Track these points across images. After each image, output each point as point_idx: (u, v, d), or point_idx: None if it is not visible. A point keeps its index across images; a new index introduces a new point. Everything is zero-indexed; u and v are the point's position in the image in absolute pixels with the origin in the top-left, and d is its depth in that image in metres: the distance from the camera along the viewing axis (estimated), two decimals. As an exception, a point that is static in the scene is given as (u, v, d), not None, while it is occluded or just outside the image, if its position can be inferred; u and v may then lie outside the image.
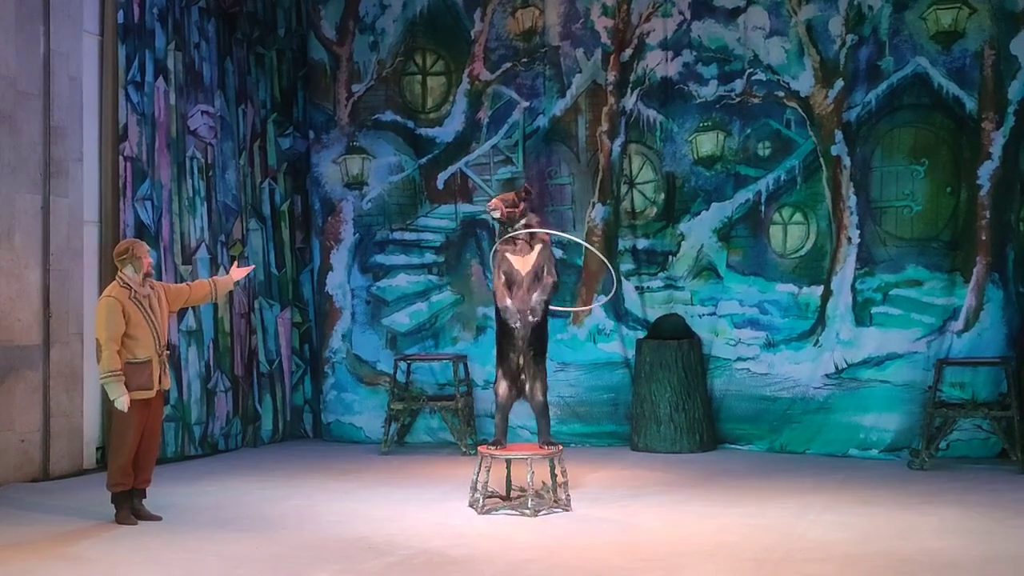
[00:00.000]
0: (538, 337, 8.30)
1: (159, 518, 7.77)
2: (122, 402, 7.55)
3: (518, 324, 8.16)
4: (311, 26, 12.58)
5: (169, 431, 10.39)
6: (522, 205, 8.45)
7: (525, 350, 8.24)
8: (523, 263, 8.27)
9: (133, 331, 7.63)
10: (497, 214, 8.35)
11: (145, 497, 7.88)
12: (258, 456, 11.04)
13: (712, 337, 11.40)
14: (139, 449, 7.76)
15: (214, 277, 8.61)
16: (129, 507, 7.72)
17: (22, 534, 7.34)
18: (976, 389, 10.26)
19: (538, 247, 8.33)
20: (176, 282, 10.47)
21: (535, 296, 8.21)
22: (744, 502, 8.38)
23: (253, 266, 8.75)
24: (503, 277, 8.28)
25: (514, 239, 8.35)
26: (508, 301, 8.17)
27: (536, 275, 8.26)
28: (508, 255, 8.32)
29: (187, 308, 9.70)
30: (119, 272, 7.79)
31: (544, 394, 8.33)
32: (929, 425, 9.93)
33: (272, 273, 12.10)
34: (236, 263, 8.80)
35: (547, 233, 8.54)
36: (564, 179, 11.95)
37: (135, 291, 7.70)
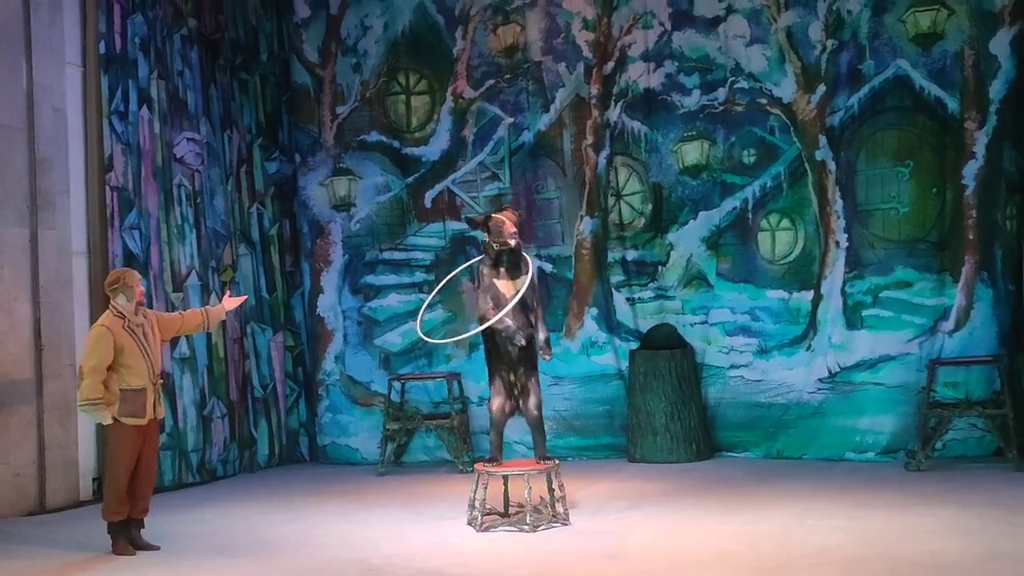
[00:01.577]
0: (530, 352, 8.29)
1: (157, 547, 7.74)
2: (104, 416, 7.53)
3: (523, 342, 8.10)
4: (293, 50, 12.61)
5: (166, 459, 10.37)
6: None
7: (517, 366, 8.24)
8: (508, 287, 8.21)
9: (127, 360, 7.62)
10: (513, 242, 8.19)
11: (143, 527, 7.85)
12: (255, 481, 11.02)
13: (705, 345, 11.41)
14: (135, 478, 7.72)
15: (206, 307, 8.60)
16: (126, 537, 7.69)
17: (19, 568, 7.32)
18: (969, 388, 10.28)
19: (525, 278, 8.20)
20: (168, 310, 10.48)
21: (542, 336, 8.18)
22: (742, 509, 8.38)
23: (245, 296, 8.74)
24: (491, 302, 8.19)
25: (497, 264, 8.28)
26: (509, 320, 8.06)
27: (524, 303, 8.17)
28: (494, 280, 8.25)
29: (179, 337, 9.68)
30: (111, 302, 7.79)
31: (539, 408, 8.32)
32: (924, 426, 9.95)
33: (263, 297, 12.10)
34: (228, 292, 8.79)
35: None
36: (551, 193, 11.98)
37: (128, 320, 7.69)
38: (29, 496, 9.33)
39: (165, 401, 10.33)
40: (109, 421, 7.57)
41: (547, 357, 8.27)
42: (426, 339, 8.84)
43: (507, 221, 8.26)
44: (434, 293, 9.62)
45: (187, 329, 8.37)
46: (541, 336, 8.23)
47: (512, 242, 8.18)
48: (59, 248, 9.78)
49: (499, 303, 8.12)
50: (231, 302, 8.47)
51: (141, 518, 7.83)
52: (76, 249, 10.02)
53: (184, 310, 9.40)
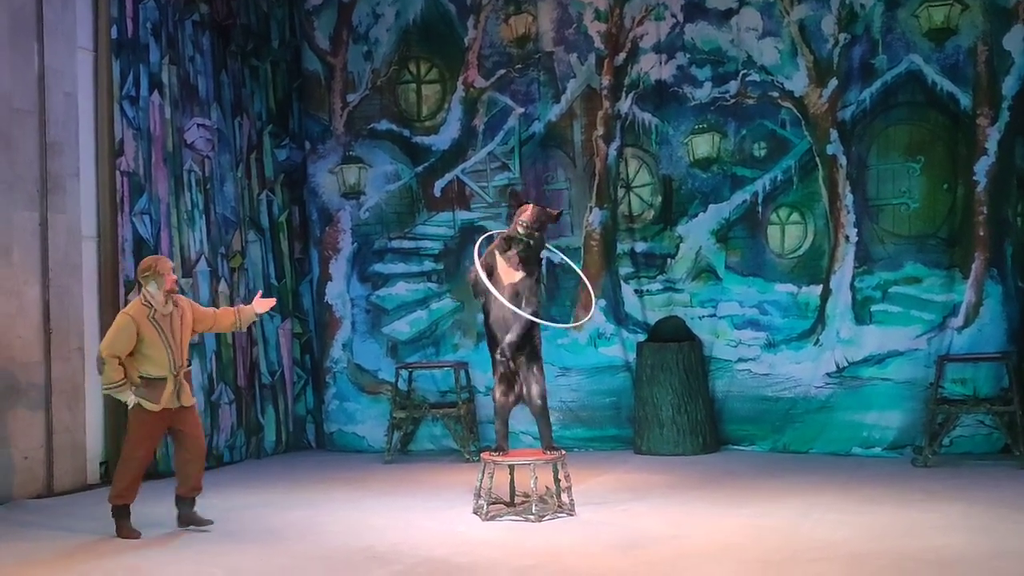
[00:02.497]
0: (528, 341, 8.25)
1: (210, 522, 7.86)
2: (127, 397, 7.60)
3: (519, 312, 8.00)
4: (305, 37, 12.60)
5: (172, 445, 10.37)
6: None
7: (515, 355, 8.22)
8: (508, 276, 8.21)
9: (148, 350, 7.64)
10: (522, 230, 8.20)
11: (195, 505, 7.92)
12: (262, 468, 11.04)
13: (712, 339, 11.40)
14: (180, 461, 7.86)
15: (239, 306, 8.53)
16: (129, 520, 7.72)
17: (26, 551, 7.33)
18: (978, 385, 10.26)
19: (532, 270, 8.21)
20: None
21: (525, 311, 8.07)
22: (748, 503, 8.38)
23: (275, 300, 8.67)
24: (483, 271, 8.09)
25: (509, 245, 8.29)
26: (488, 284, 8.03)
27: (517, 293, 8.15)
28: (498, 254, 8.27)
29: (212, 332, 9.49)
30: (143, 289, 7.81)
31: (542, 397, 8.29)
32: (931, 422, 9.94)
33: (272, 284, 12.10)
34: (260, 293, 8.75)
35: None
36: (561, 184, 11.97)
37: (156, 310, 7.69)
38: (37, 479, 9.36)
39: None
40: (133, 402, 7.62)
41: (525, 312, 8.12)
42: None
43: (527, 212, 8.29)
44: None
45: (219, 327, 8.36)
46: (525, 311, 8.07)
47: (521, 230, 8.19)
48: (69, 232, 9.80)
49: (490, 272, 8.12)
50: (262, 304, 8.37)
51: (192, 497, 7.89)
52: (86, 233, 10.03)
53: (217, 308, 9.29)
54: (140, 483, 7.84)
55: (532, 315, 8.08)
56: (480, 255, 8.20)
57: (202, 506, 7.96)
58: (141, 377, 7.65)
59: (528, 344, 8.26)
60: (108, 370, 7.62)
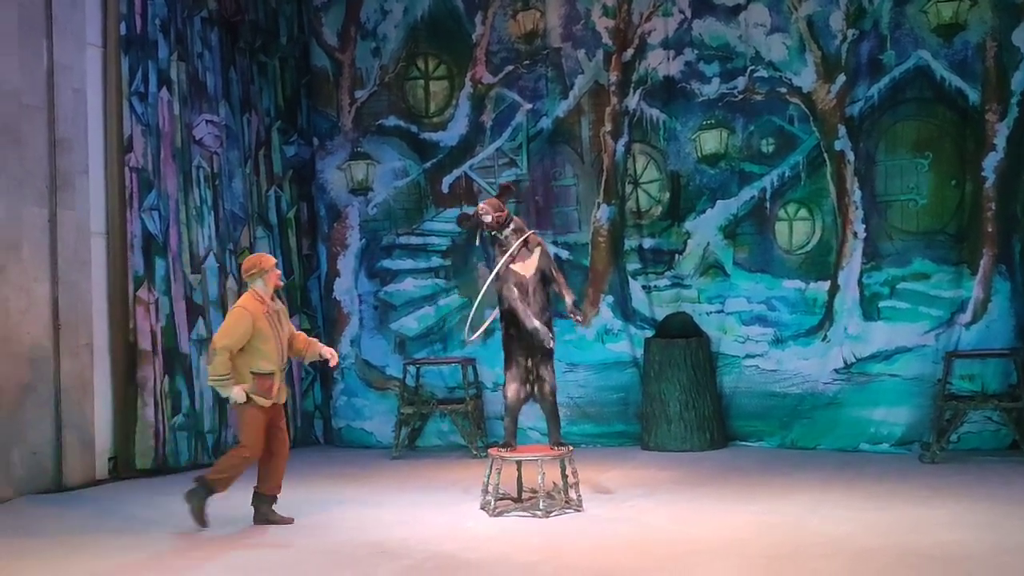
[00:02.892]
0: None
1: (291, 520, 7.91)
2: (237, 392, 7.66)
3: (552, 344, 8.14)
4: (313, 33, 12.63)
5: (183, 440, 10.44)
6: (505, 210, 8.45)
7: (534, 352, 8.25)
8: (526, 268, 8.26)
9: (261, 344, 7.72)
10: (489, 218, 8.32)
11: (276, 503, 8.00)
12: (270, 463, 11.04)
13: (720, 335, 11.40)
14: (271, 458, 7.92)
15: (314, 340, 8.39)
16: (206, 506, 7.74)
17: (35, 546, 7.37)
18: (986, 381, 10.25)
19: (537, 250, 8.31)
20: (186, 291, 10.58)
21: (569, 299, 8.23)
22: (755, 499, 8.38)
23: (337, 359, 8.56)
24: (514, 290, 8.20)
25: (504, 249, 8.32)
26: (537, 323, 8.10)
27: (543, 276, 8.26)
28: (511, 267, 8.29)
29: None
30: (251, 287, 7.87)
31: (554, 394, 8.34)
32: (939, 418, 9.92)
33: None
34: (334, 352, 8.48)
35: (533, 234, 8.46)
36: (569, 180, 11.97)
37: (268, 305, 7.81)
38: (46, 474, 9.39)
39: (182, 383, 10.47)
40: (244, 399, 7.69)
41: (579, 318, 8.37)
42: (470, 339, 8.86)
43: (481, 206, 8.42)
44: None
45: (293, 346, 8.12)
46: (569, 300, 8.25)
47: (487, 219, 8.30)
48: (78, 228, 9.83)
49: (521, 288, 8.17)
50: (329, 352, 8.26)
51: (275, 495, 7.98)
52: (95, 229, 10.06)
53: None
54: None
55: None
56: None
57: (210, 502, 7.96)
58: (252, 372, 7.71)
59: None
60: (218, 362, 7.66)
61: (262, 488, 7.98)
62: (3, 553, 7.13)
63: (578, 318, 8.40)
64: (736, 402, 11.31)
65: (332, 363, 8.32)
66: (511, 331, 8.33)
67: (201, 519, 7.71)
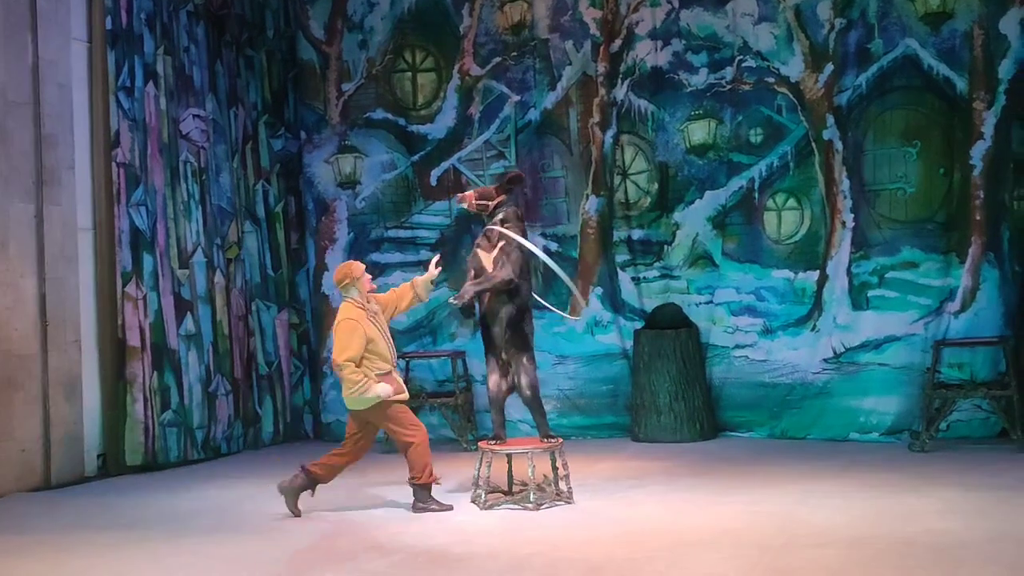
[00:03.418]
0: (516, 331, 8.23)
1: (299, 514, 8.00)
2: (382, 388, 7.83)
3: (456, 301, 8.16)
4: (299, 26, 12.59)
5: (172, 436, 10.41)
6: (500, 196, 8.41)
7: (505, 345, 8.22)
8: (489, 259, 8.26)
9: (374, 348, 7.92)
10: (464, 205, 8.45)
11: (313, 492, 8.17)
12: (260, 458, 11.04)
13: (710, 325, 11.41)
14: (346, 452, 8.13)
15: (412, 280, 8.55)
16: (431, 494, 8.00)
17: (26, 544, 7.34)
18: (975, 369, 10.27)
19: (500, 243, 8.25)
20: (174, 287, 10.53)
21: (467, 284, 8.17)
22: (746, 489, 8.39)
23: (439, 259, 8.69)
24: (472, 272, 8.29)
25: (487, 235, 8.34)
26: (466, 290, 8.19)
27: (495, 265, 8.20)
28: (479, 251, 8.34)
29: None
30: (346, 297, 8.05)
31: (531, 388, 8.24)
32: (929, 407, 9.95)
33: (268, 275, 12.10)
34: (437, 258, 8.67)
35: (511, 235, 8.30)
36: (557, 172, 11.96)
37: (367, 309, 8.00)
38: (35, 472, 9.36)
39: (171, 378, 10.44)
40: (390, 392, 7.87)
41: (452, 300, 8.28)
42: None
43: (467, 193, 8.56)
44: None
45: (402, 307, 8.45)
46: (465, 285, 8.18)
47: (463, 205, 8.52)
48: (65, 224, 9.78)
49: (479, 274, 8.22)
50: (435, 265, 8.46)
51: (319, 482, 8.13)
52: (82, 225, 10.02)
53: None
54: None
55: (501, 280, 8.08)
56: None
57: (201, 498, 7.96)
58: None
59: (518, 333, 8.25)
60: (349, 375, 7.81)
61: (318, 470, 8.11)
62: (-8, 551, 7.11)
63: (452, 299, 8.29)
64: (726, 393, 11.32)
65: (438, 266, 8.45)
66: (485, 323, 8.31)
67: (437, 507, 7.95)
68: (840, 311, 10.90)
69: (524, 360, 8.24)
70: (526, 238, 8.36)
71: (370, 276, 8.18)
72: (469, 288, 8.14)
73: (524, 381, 8.23)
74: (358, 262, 8.29)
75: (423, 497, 8.01)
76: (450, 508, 7.99)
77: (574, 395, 11.65)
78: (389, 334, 8.13)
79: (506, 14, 12.05)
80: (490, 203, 8.38)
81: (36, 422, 9.39)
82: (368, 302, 8.07)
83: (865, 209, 10.88)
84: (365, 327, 7.89)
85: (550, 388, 11.61)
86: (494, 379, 8.30)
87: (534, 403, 8.30)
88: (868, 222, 10.87)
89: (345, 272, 8.10)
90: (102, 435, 10.00)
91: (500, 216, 8.36)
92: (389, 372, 7.99)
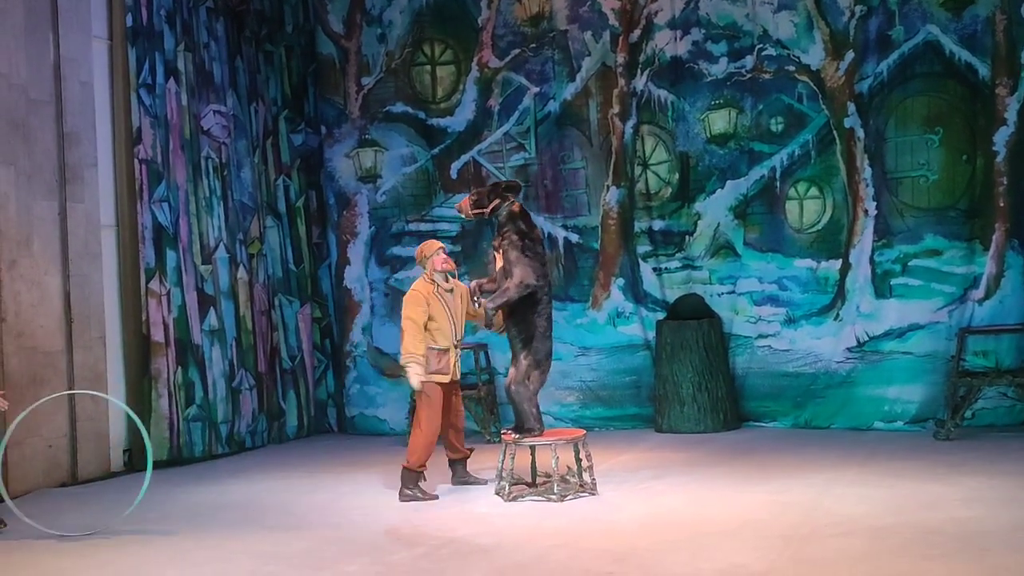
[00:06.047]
0: (518, 331, 8.25)
1: (485, 482, 8.48)
2: (416, 376, 8.18)
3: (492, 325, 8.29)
4: (318, 21, 12.61)
5: (196, 431, 10.46)
6: (495, 202, 8.36)
7: (512, 343, 8.31)
8: (498, 262, 8.35)
9: (435, 323, 8.32)
10: (463, 215, 8.64)
11: (468, 466, 8.71)
12: (284, 452, 11.09)
13: (732, 315, 11.38)
14: (450, 428, 8.53)
15: (483, 302, 8.64)
16: (421, 483, 8.27)
17: (53, 539, 7.38)
18: (1000, 356, 10.22)
19: (506, 247, 8.24)
20: (197, 282, 10.60)
21: (488, 305, 8.16)
22: (770, 479, 8.37)
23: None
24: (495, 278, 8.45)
25: (500, 238, 8.34)
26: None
27: (505, 275, 8.22)
28: (495, 254, 8.43)
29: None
30: (424, 271, 8.53)
31: (513, 383, 8.19)
32: (953, 395, 9.90)
33: (290, 269, 12.14)
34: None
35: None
36: (577, 163, 11.94)
37: (439, 286, 8.42)
38: (62, 467, 9.43)
39: (195, 374, 10.49)
40: (419, 387, 8.23)
41: (483, 325, 8.40)
42: None
43: (464, 199, 8.70)
44: None
45: (471, 312, 8.65)
46: (488, 306, 8.19)
47: (462, 215, 8.69)
48: (88, 221, 9.84)
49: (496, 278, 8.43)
50: (477, 302, 8.50)
51: (465, 457, 8.68)
52: (105, 222, 10.08)
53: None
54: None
55: (514, 288, 8.10)
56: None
57: (226, 492, 8.00)
58: (429, 349, 8.26)
59: (516, 332, 8.26)
60: (408, 340, 8.20)
61: (454, 456, 8.63)
62: (21, 547, 7.16)
63: (482, 325, 8.42)
64: (749, 383, 11.29)
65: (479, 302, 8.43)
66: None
67: (427, 496, 8.20)
68: (863, 300, 10.85)
69: (521, 356, 8.24)
70: (528, 232, 8.29)
71: (444, 256, 8.50)
72: (489, 307, 8.17)
73: (512, 374, 8.26)
74: (434, 240, 8.73)
75: (409, 484, 8.24)
76: (435, 498, 8.19)
77: (596, 386, 11.64)
78: (458, 315, 8.46)
79: (524, 6, 12.02)
80: (485, 210, 8.38)
81: (62, 418, 9.45)
82: (446, 280, 8.46)
83: (887, 197, 10.83)
84: (430, 301, 8.29)
85: (572, 380, 11.63)
86: (511, 374, 8.31)
87: (511, 399, 8.29)
88: (891, 210, 10.82)
89: (421, 249, 8.61)
90: (128, 431, 10.05)
91: (507, 212, 8.32)
92: (447, 349, 8.34)
